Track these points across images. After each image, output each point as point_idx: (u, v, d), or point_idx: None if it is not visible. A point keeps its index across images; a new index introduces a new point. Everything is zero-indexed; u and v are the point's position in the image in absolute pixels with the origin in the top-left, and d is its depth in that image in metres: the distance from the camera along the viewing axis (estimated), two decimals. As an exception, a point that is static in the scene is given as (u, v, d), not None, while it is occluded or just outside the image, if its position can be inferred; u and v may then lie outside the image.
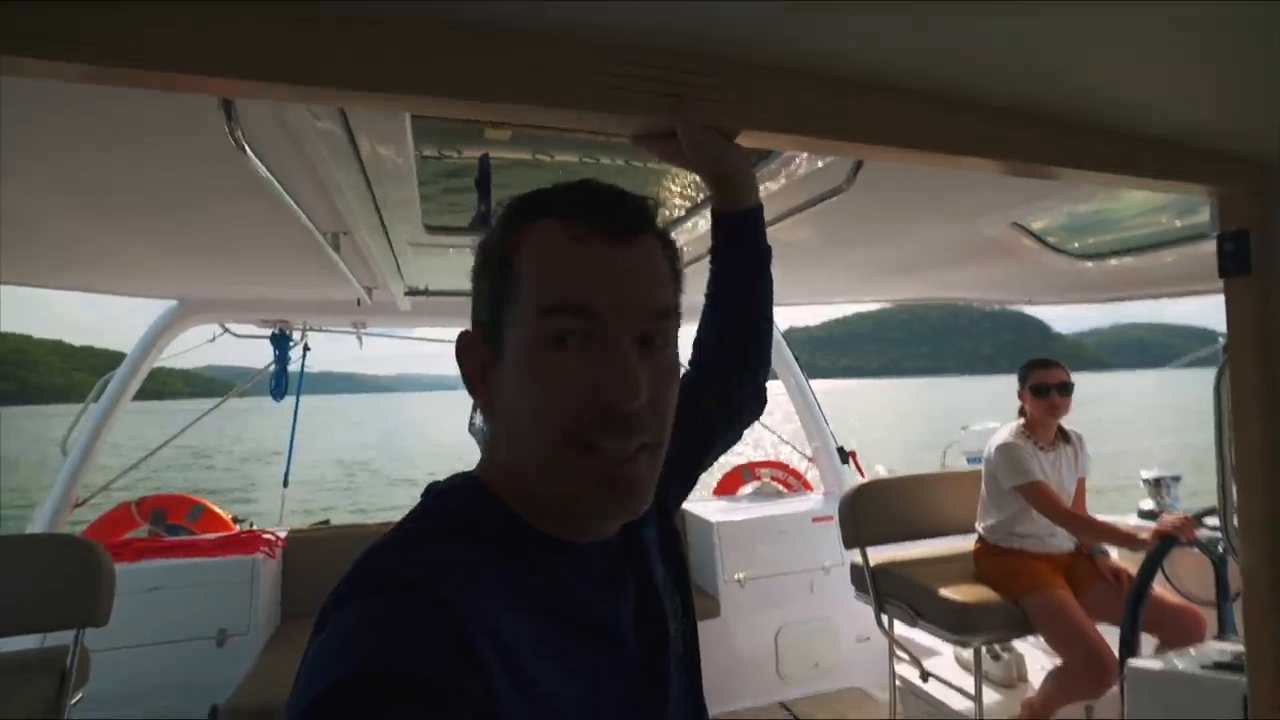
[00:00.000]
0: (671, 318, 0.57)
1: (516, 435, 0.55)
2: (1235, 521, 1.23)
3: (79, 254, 1.95)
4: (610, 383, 0.51)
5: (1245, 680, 1.16)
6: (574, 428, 0.52)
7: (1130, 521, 2.66)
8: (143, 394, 3.06)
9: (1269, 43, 0.78)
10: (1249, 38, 0.77)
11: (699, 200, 1.62)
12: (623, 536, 0.63)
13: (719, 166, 0.82)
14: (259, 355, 3.51)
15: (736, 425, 0.88)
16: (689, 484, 0.84)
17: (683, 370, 0.90)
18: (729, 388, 0.86)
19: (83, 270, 2.23)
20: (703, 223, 1.66)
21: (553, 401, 0.52)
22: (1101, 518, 2.41)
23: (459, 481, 0.60)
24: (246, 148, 1.01)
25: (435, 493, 0.60)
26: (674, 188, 1.59)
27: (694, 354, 0.89)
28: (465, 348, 0.59)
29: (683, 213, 1.69)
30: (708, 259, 0.90)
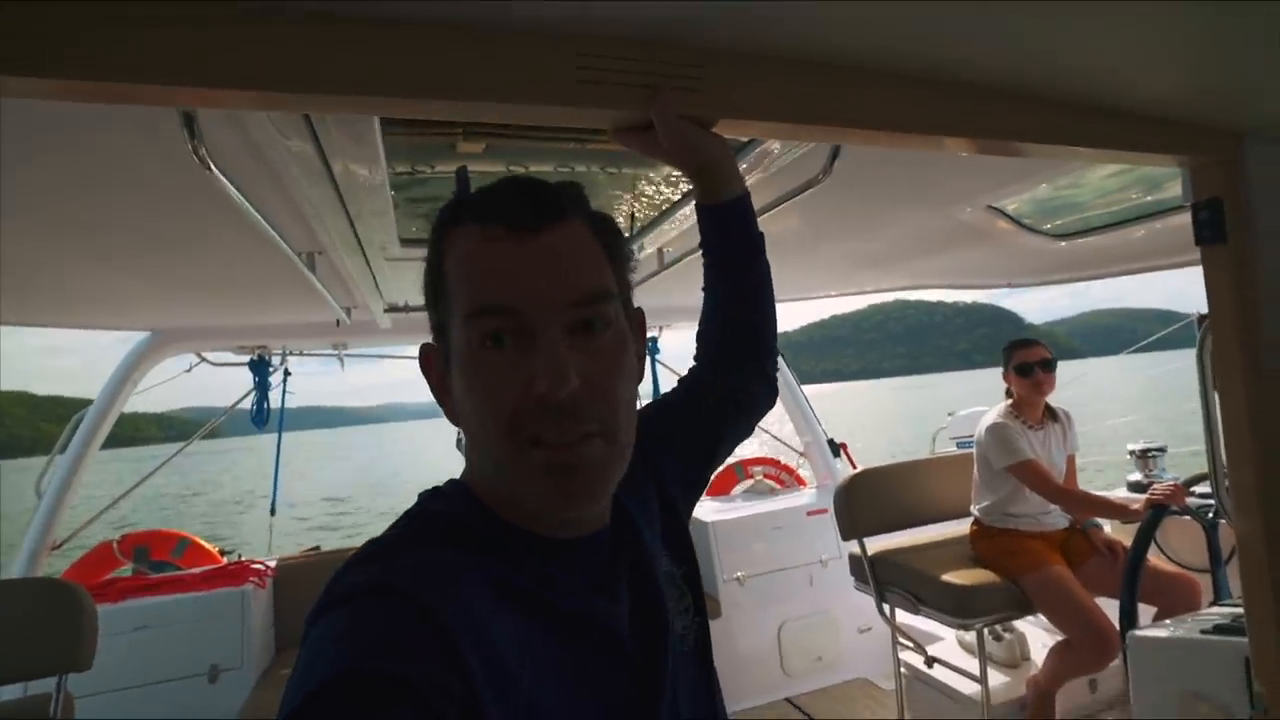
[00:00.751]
0: (607, 299, 0.56)
1: (474, 439, 0.57)
2: (1226, 487, 1.24)
3: (45, 287, 1.89)
4: (539, 375, 0.51)
5: (1246, 641, 1.17)
6: (516, 423, 0.52)
7: (1120, 494, 2.69)
8: (115, 440, 2.99)
9: (1233, 10, 0.79)
10: (1213, 6, 0.78)
11: (678, 198, 1.61)
12: (616, 534, 0.62)
13: (698, 156, 0.80)
14: (241, 391, 3.45)
15: (748, 418, 0.87)
16: (702, 479, 0.83)
17: (690, 365, 0.89)
18: (736, 380, 0.85)
19: (50, 304, 2.17)
20: (686, 217, 1.65)
21: (493, 401, 0.53)
22: (1096, 492, 2.43)
23: (447, 487, 0.61)
24: (211, 166, 0.98)
25: (425, 497, 0.61)
26: (656, 187, 1.58)
27: (698, 348, 0.88)
28: (427, 360, 0.61)
29: (668, 206, 1.67)
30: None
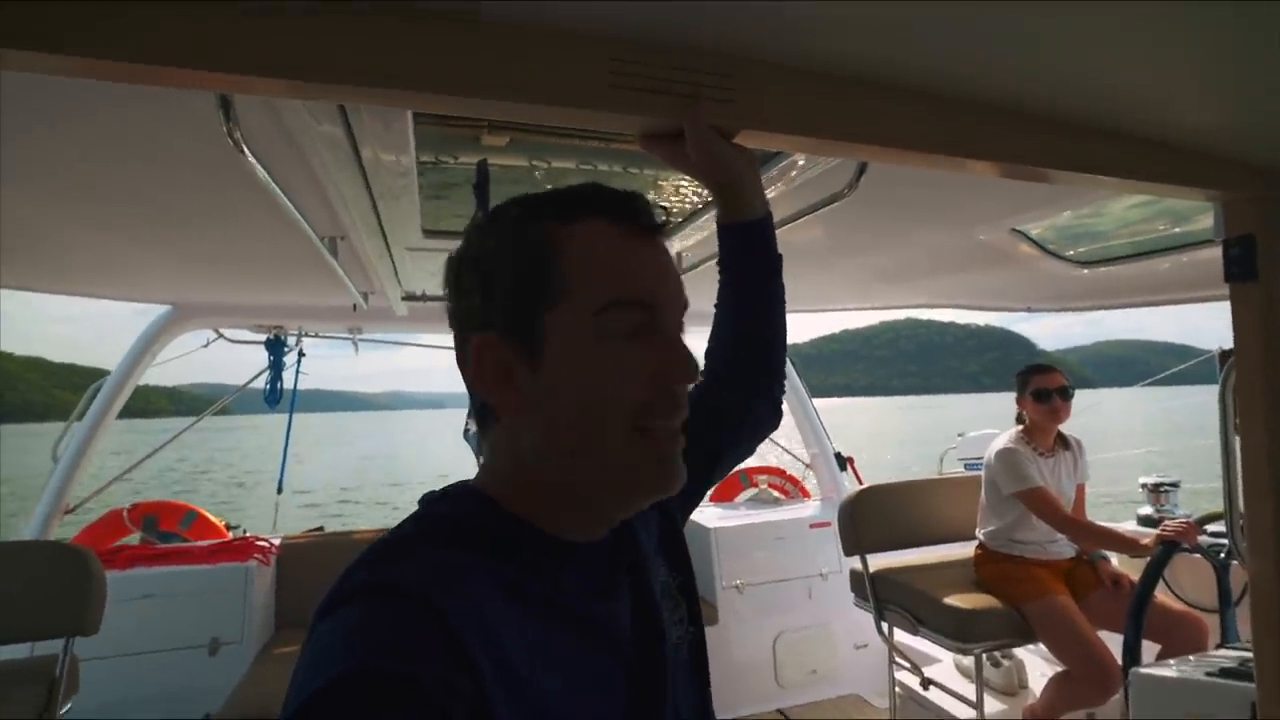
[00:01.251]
0: None
1: (567, 428, 0.55)
2: (1241, 526, 1.22)
3: (73, 258, 1.93)
4: (675, 366, 0.56)
5: (1254, 687, 1.15)
6: (637, 411, 0.55)
7: (1129, 527, 2.66)
8: (127, 411, 3.03)
9: (1271, 45, 0.78)
10: (1252, 40, 0.77)
11: (701, 204, 1.61)
12: (616, 538, 0.63)
13: (724, 173, 0.79)
14: (249, 370, 3.48)
15: (749, 438, 0.86)
16: (699, 493, 0.83)
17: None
18: (742, 400, 0.84)
19: (77, 275, 2.21)
20: (708, 223, 1.65)
21: (618, 389, 0.54)
22: (1101, 523, 2.40)
23: (454, 489, 0.61)
24: (245, 149, 1.00)
25: (429, 500, 0.60)
26: (677, 190, 1.58)
27: (706, 364, 0.86)
28: (481, 352, 0.57)
29: (691, 210, 1.68)
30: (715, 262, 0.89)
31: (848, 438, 3.88)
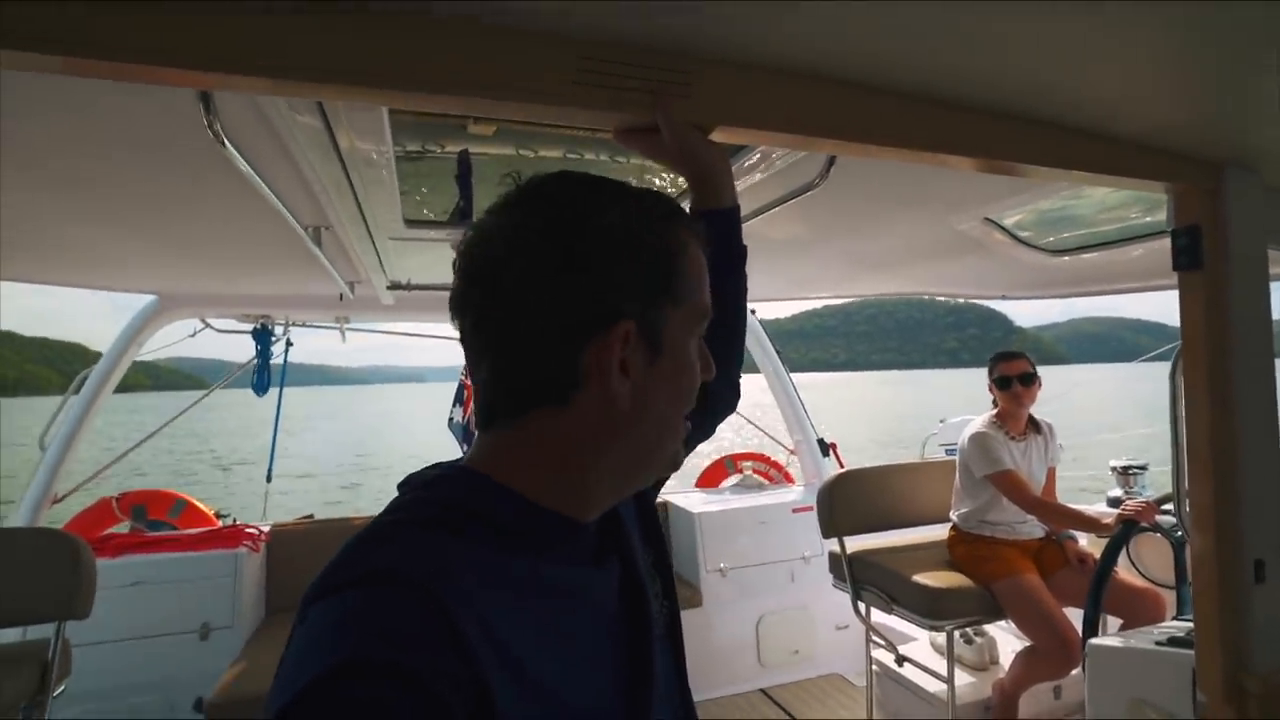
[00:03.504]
0: None
1: (659, 418, 0.60)
2: (1187, 506, 1.28)
3: (56, 250, 1.94)
4: (709, 367, 0.64)
5: (1193, 654, 1.22)
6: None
7: (1099, 508, 2.74)
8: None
9: (1218, 45, 0.82)
10: (1201, 41, 0.81)
11: (676, 194, 1.65)
12: (602, 519, 0.64)
13: (696, 163, 0.84)
14: (229, 348, 3.46)
15: (711, 419, 0.89)
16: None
17: None
18: (709, 385, 0.88)
19: (60, 266, 2.21)
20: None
21: (692, 384, 0.62)
22: (1068, 505, 2.48)
23: (442, 471, 0.60)
24: (226, 141, 1.02)
25: (416, 484, 0.59)
26: (660, 178, 1.61)
27: None
28: (620, 338, 0.56)
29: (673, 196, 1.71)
30: None
31: (826, 411, 3.93)
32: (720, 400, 0.89)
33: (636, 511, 0.73)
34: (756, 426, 4.01)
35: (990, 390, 2.57)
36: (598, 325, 0.55)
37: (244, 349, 3.41)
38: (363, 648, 0.43)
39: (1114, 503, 2.74)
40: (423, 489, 0.58)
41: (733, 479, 4.18)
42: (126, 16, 0.62)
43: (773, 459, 4.41)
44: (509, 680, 0.47)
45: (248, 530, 2.97)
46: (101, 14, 0.62)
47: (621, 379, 0.56)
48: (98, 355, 3.06)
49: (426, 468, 0.62)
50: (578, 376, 0.55)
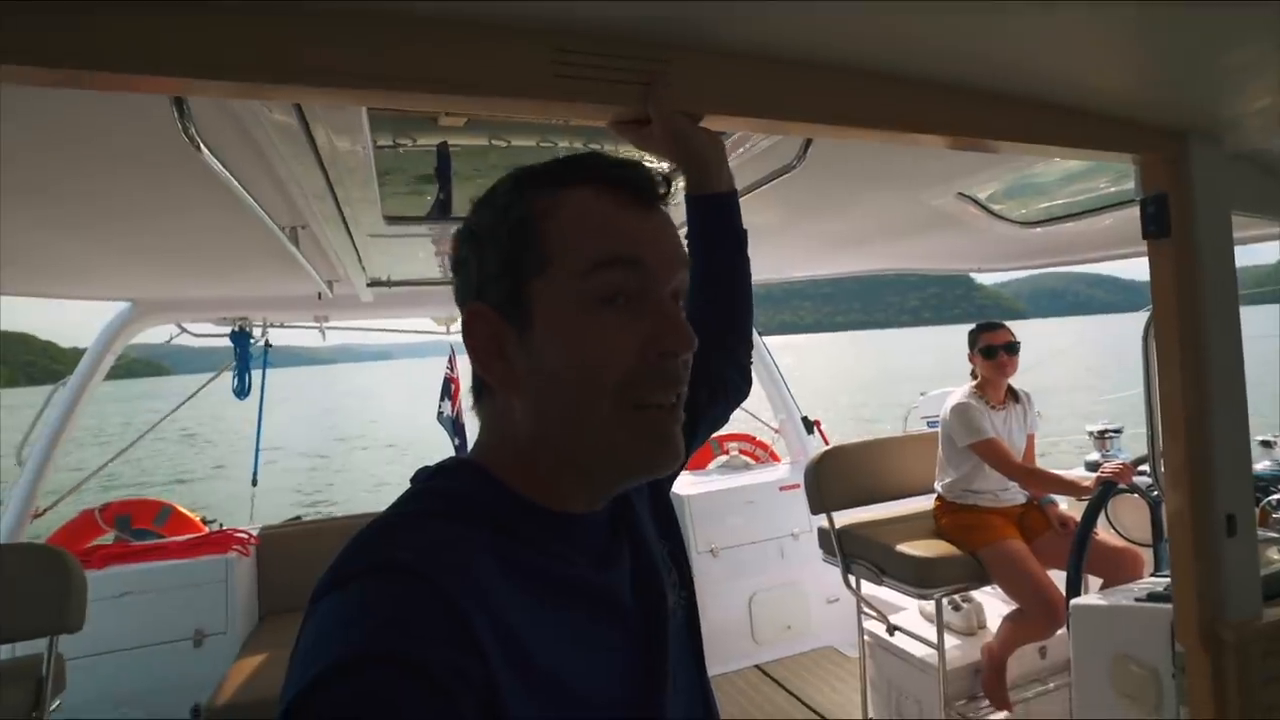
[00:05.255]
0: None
1: (554, 401, 0.55)
2: (1162, 467, 1.33)
3: (25, 258, 1.89)
4: (667, 334, 0.54)
5: (1171, 608, 1.27)
6: (626, 383, 0.53)
7: (1078, 472, 2.82)
8: (49, 376, 2.93)
9: (1176, 18, 0.84)
10: (1161, 14, 0.83)
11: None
12: (614, 508, 0.64)
13: (689, 150, 0.84)
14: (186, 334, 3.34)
15: (724, 405, 0.89)
16: (683, 463, 0.87)
17: None
18: (713, 368, 0.86)
19: (29, 275, 2.16)
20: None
21: (605, 359, 0.53)
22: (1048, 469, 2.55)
23: (450, 464, 0.60)
24: (200, 142, 1.01)
25: (426, 476, 0.59)
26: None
27: None
28: (475, 323, 0.57)
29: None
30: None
31: (805, 382, 3.96)
32: (732, 388, 0.89)
33: (651, 502, 0.73)
34: (741, 407, 4.05)
35: (971, 360, 2.61)
36: (473, 310, 0.57)
37: (204, 331, 3.31)
38: (372, 639, 0.43)
39: (1092, 466, 2.81)
40: (430, 481, 0.59)
41: (719, 460, 4.22)
42: (90, 25, 0.61)
43: (758, 439, 4.45)
44: (518, 673, 0.47)
45: (237, 535, 2.95)
46: (64, 24, 0.61)
47: (499, 364, 0.56)
48: (46, 344, 2.98)
49: (444, 460, 0.62)
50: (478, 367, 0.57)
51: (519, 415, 0.57)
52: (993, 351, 2.53)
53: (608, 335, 0.53)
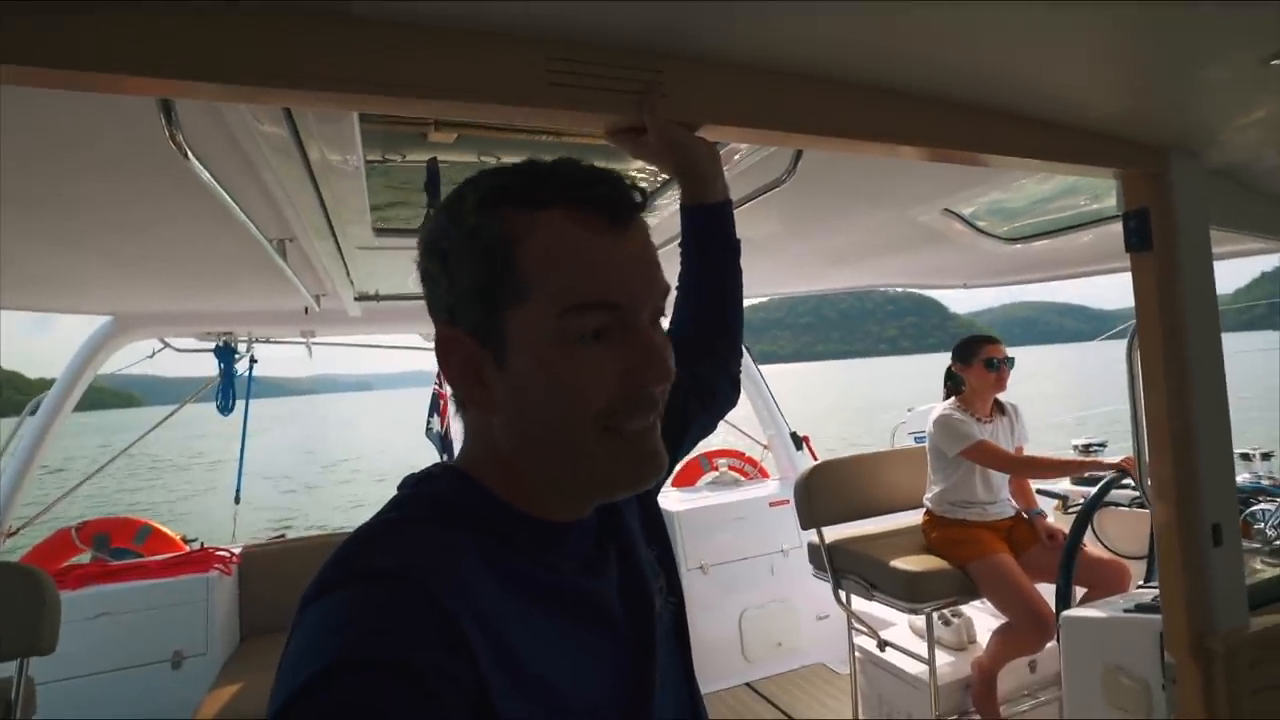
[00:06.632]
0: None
1: (531, 427, 0.55)
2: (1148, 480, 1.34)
3: (4, 270, 1.86)
4: (646, 367, 0.53)
5: (1160, 619, 1.27)
6: (607, 412, 0.53)
7: (1065, 486, 2.84)
8: (13, 408, 2.89)
9: (1161, 37, 0.87)
10: (1143, 32, 0.86)
11: (659, 186, 1.65)
12: (601, 515, 0.64)
13: (684, 159, 0.84)
14: (160, 363, 3.32)
15: (713, 413, 0.89)
16: (669, 471, 0.87)
17: None
18: (703, 377, 0.86)
19: (7, 287, 2.12)
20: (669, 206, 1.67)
21: (582, 393, 0.52)
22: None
23: (436, 471, 0.60)
24: (188, 152, 1.00)
25: (412, 482, 0.59)
26: (630, 180, 1.62)
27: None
28: (449, 347, 0.56)
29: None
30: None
31: (791, 411, 3.97)
32: (720, 397, 0.89)
33: (640, 509, 0.73)
34: (729, 423, 4.05)
35: (965, 373, 2.60)
36: (447, 334, 0.56)
37: (173, 363, 3.28)
38: (360, 645, 0.43)
39: (1077, 480, 2.85)
40: (416, 487, 0.58)
41: (709, 476, 4.21)
42: (77, 24, 0.60)
43: (747, 455, 4.45)
44: (507, 678, 0.47)
45: (218, 553, 2.89)
46: (54, 20, 0.60)
47: (477, 388, 0.56)
48: (10, 374, 2.93)
49: (430, 466, 0.62)
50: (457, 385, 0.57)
51: (499, 434, 0.57)
52: (995, 364, 2.55)
53: (587, 369, 0.52)
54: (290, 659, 0.44)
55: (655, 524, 0.74)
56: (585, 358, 0.52)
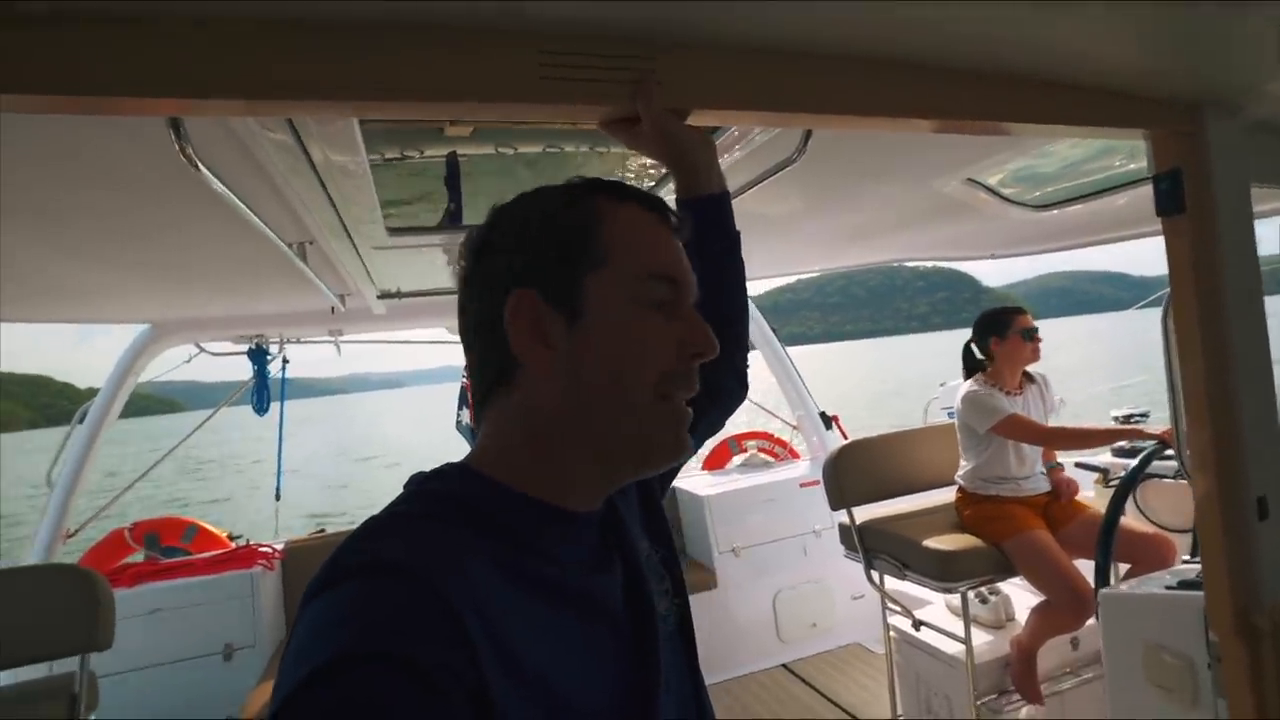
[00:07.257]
0: None
1: (593, 387, 0.58)
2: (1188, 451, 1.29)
3: (43, 286, 1.93)
4: (700, 338, 0.61)
5: (1203, 595, 1.23)
6: (661, 378, 0.59)
7: (1105, 458, 2.76)
8: (67, 417, 3.01)
9: None
10: None
11: (665, 175, 1.64)
12: (604, 516, 0.64)
13: (679, 151, 0.84)
14: (197, 369, 3.45)
15: (720, 411, 0.88)
16: (674, 468, 0.86)
17: None
18: (709, 374, 0.87)
19: (48, 301, 2.21)
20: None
21: (651, 354, 0.59)
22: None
23: (444, 468, 0.61)
24: (199, 164, 1.02)
25: (420, 479, 0.60)
26: (643, 165, 1.61)
27: None
28: (519, 307, 0.58)
29: (653, 185, 1.70)
30: None
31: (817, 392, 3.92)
32: (727, 393, 0.88)
33: (640, 508, 0.73)
34: (757, 404, 4.03)
35: (996, 347, 2.51)
36: (499, 300, 0.59)
37: (210, 368, 3.39)
38: (361, 638, 0.43)
39: (1118, 452, 2.77)
40: (423, 484, 0.59)
41: (738, 459, 4.20)
42: (81, 50, 0.61)
43: (776, 436, 4.42)
44: (508, 673, 0.47)
45: (262, 549, 2.99)
46: (64, 48, 0.61)
47: (541, 348, 0.58)
48: (64, 385, 3.06)
49: (440, 466, 0.62)
50: (511, 355, 0.59)
51: (546, 400, 0.58)
52: (1031, 334, 2.49)
53: (653, 333, 0.59)
54: (293, 652, 0.45)
55: (660, 525, 0.74)
56: (653, 323, 0.59)
